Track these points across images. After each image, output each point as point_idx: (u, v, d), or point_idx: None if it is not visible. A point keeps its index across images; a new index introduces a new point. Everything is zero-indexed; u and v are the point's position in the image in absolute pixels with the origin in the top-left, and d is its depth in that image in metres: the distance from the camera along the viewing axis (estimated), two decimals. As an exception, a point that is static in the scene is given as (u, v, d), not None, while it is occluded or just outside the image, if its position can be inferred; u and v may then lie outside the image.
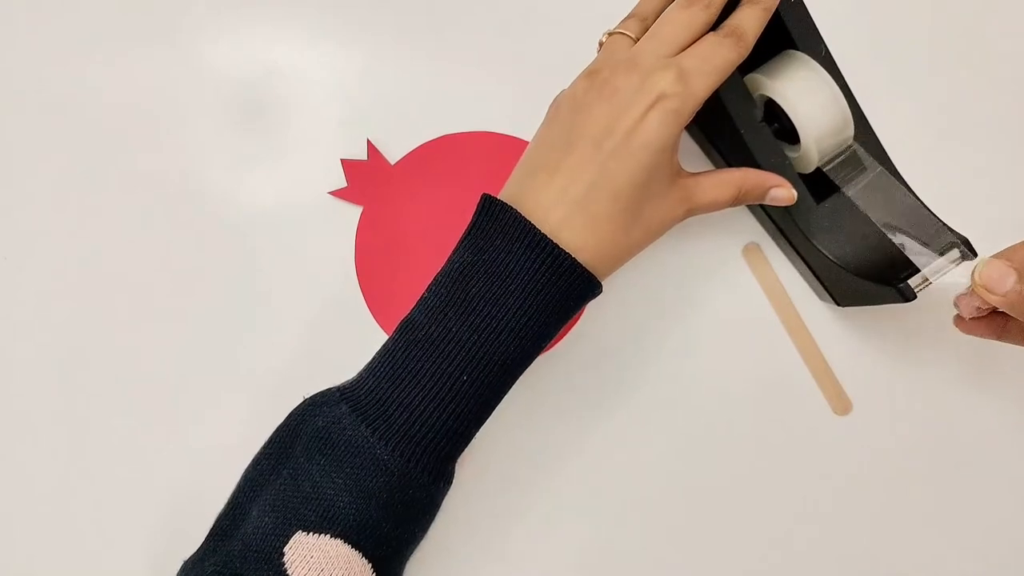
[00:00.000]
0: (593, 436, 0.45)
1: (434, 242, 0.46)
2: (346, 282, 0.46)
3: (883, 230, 0.39)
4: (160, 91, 0.47)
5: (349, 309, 0.46)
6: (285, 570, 0.31)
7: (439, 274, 0.35)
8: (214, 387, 0.45)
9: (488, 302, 0.33)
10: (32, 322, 0.46)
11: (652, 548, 0.45)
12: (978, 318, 0.39)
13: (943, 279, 0.38)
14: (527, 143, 0.46)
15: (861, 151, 0.40)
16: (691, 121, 0.45)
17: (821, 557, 0.45)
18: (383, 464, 0.32)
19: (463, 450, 0.35)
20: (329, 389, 0.35)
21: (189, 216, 0.46)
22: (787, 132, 0.40)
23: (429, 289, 0.35)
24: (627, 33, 0.37)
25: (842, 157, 0.40)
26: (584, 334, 0.45)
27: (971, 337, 0.41)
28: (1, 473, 0.45)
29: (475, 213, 0.36)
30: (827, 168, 0.40)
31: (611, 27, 0.39)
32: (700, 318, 0.46)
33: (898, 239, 0.39)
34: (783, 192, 0.39)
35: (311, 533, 0.31)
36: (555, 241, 0.33)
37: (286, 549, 0.31)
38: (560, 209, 0.34)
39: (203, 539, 0.34)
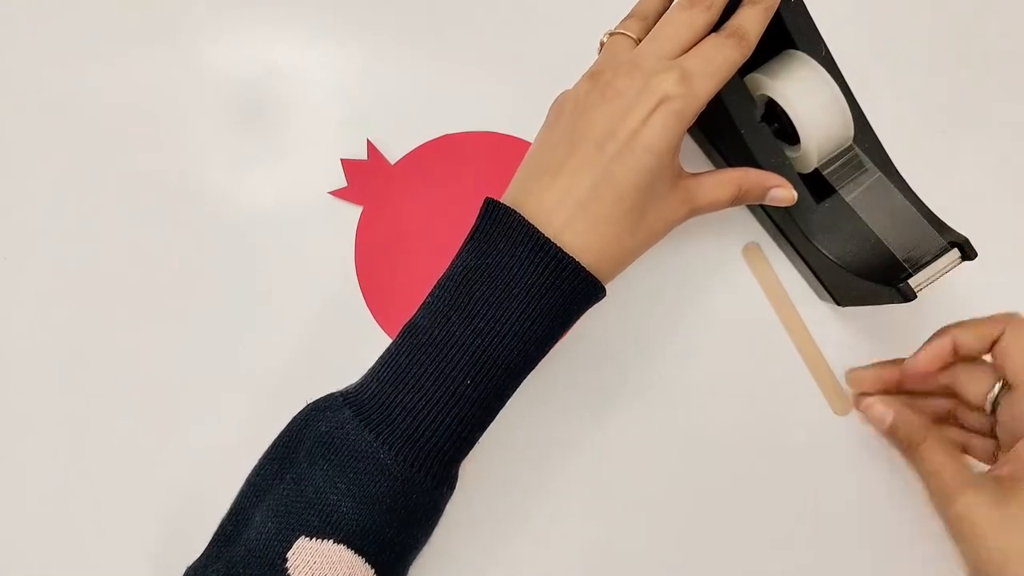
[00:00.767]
0: (594, 437, 0.45)
1: (434, 242, 0.46)
2: (346, 282, 0.46)
3: (883, 231, 0.39)
4: (160, 91, 0.47)
5: (349, 309, 0.46)
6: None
7: (442, 278, 0.35)
8: (214, 387, 0.45)
9: (491, 306, 0.33)
10: (32, 322, 0.46)
11: (654, 548, 0.45)
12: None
13: (943, 279, 0.38)
14: (527, 143, 0.47)
15: (860, 152, 0.40)
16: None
17: (822, 557, 0.45)
18: (386, 469, 0.32)
19: (467, 454, 0.35)
20: (332, 394, 0.35)
21: (189, 216, 0.46)
22: (787, 132, 0.40)
23: (432, 293, 0.35)
24: (628, 34, 0.37)
25: (843, 159, 0.40)
26: (584, 335, 0.45)
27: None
28: (1, 473, 0.45)
29: (478, 217, 0.35)
30: (826, 171, 0.40)
31: (612, 27, 0.39)
32: (700, 318, 0.46)
33: (898, 239, 0.39)
34: (783, 192, 0.39)
35: (314, 539, 0.31)
36: (558, 244, 0.33)
37: (289, 555, 0.31)
38: (563, 212, 0.34)
39: (205, 542, 0.34)
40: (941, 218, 0.39)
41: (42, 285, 0.46)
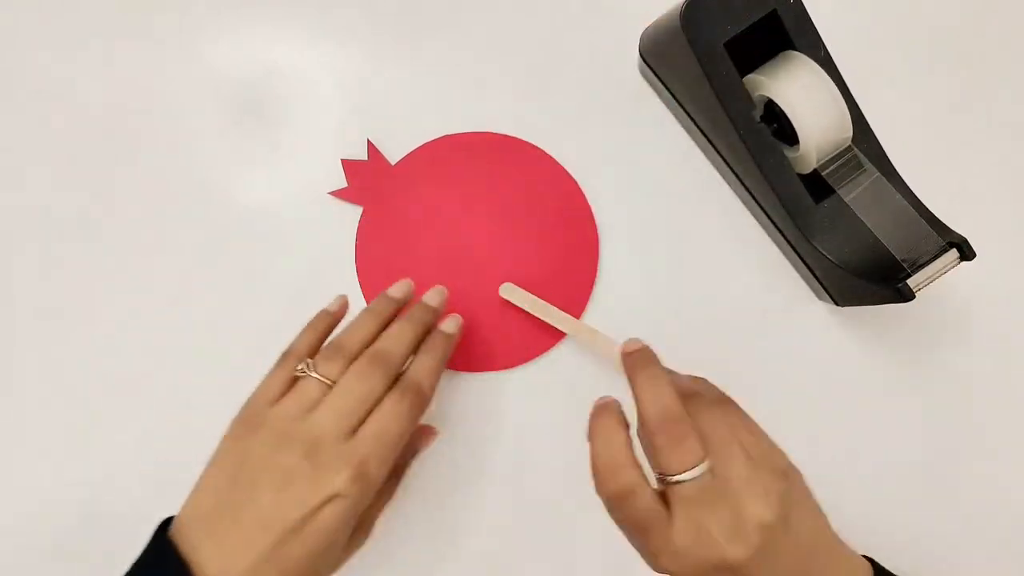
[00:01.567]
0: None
1: (434, 242, 0.46)
2: (346, 282, 0.46)
3: (882, 231, 0.39)
4: (160, 91, 0.47)
5: (349, 309, 0.46)
6: None
7: None
8: (214, 387, 0.45)
9: None
10: (32, 322, 0.46)
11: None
12: None
13: (941, 279, 0.38)
14: (527, 143, 0.47)
15: (859, 153, 0.40)
16: (691, 122, 0.45)
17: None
18: None
19: None
20: None
21: (189, 216, 0.47)
22: (786, 133, 0.40)
23: None
24: (325, 380, 0.36)
25: (842, 159, 0.40)
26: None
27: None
28: (1, 473, 0.45)
29: (150, 542, 0.34)
30: (825, 172, 0.40)
31: (310, 360, 0.37)
32: (700, 318, 0.47)
33: (897, 239, 0.39)
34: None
35: None
36: None
37: None
38: (234, 569, 0.33)
39: None
40: (940, 218, 0.39)
41: (42, 285, 0.46)
